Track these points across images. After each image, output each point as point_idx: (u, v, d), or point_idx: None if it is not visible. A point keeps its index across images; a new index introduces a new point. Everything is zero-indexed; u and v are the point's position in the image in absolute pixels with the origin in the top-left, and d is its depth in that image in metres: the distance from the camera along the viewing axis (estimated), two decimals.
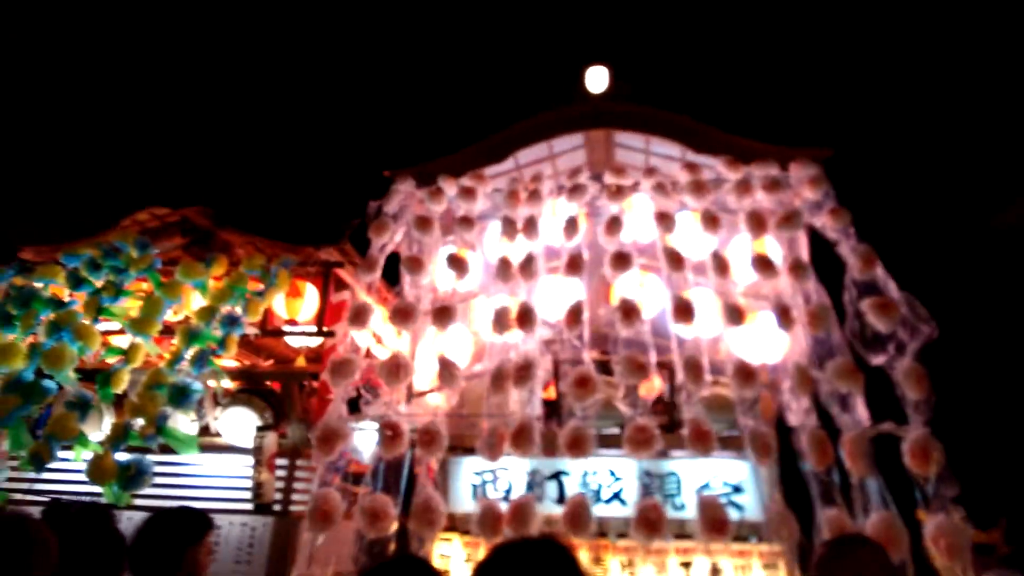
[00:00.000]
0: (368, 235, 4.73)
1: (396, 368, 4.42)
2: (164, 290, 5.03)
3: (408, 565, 1.79)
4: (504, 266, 4.60)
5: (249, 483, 5.35)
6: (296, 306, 5.74)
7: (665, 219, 4.80)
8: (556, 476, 5.23)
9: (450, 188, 5.11)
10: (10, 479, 4.49)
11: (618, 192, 4.93)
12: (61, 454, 4.50)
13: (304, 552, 3.70)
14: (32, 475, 4.41)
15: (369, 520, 4.07)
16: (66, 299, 4.99)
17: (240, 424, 5.68)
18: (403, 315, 4.55)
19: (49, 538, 1.69)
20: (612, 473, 5.14)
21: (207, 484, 5.53)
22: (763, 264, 4.97)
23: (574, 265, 4.86)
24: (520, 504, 3.88)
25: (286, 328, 5.98)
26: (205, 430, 5.66)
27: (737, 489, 5.03)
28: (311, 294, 5.84)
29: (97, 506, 2.62)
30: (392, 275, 5.95)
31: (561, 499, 5.00)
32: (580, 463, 4.73)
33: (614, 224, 4.91)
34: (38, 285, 5.46)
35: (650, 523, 4.11)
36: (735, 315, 4.72)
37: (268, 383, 5.94)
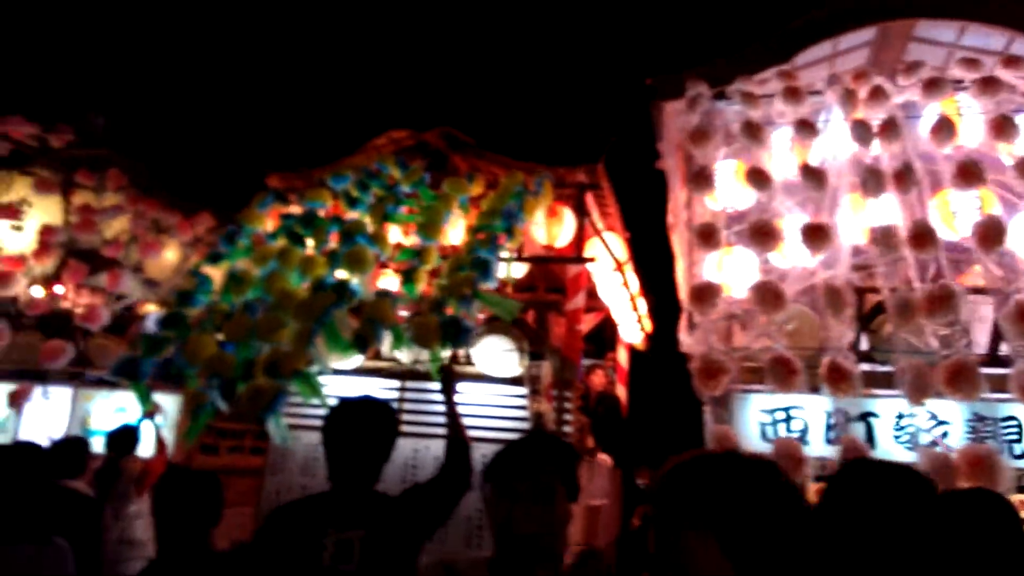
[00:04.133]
0: (689, 146, 4.26)
1: (705, 292, 3.94)
2: (439, 200, 4.83)
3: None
4: (875, 177, 3.98)
5: (512, 412, 5.18)
6: (555, 230, 5.41)
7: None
8: (864, 417, 4.71)
9: (749, 89, 4.54)
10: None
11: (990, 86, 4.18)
12: None
13: None
14: None
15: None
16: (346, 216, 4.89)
17: (494, 353, 5.50)
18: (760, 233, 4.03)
19: None
20: (933, 416, 4.54)
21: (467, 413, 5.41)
22: None
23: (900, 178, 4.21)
24: (980, 454, 3.39)
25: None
26: (455, 358, 5.53)
27: None
28: (568, 218, 5.49)
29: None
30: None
31: (870, 443, 4.49)
32: (892, 404, 4.20)
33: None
34: (294, 209, 5.44)
35: (983, 470, 3.56)
36: None
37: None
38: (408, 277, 4.35)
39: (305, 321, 3.83)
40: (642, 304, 8.37)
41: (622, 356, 9.00)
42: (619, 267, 6.26)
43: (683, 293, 5.28)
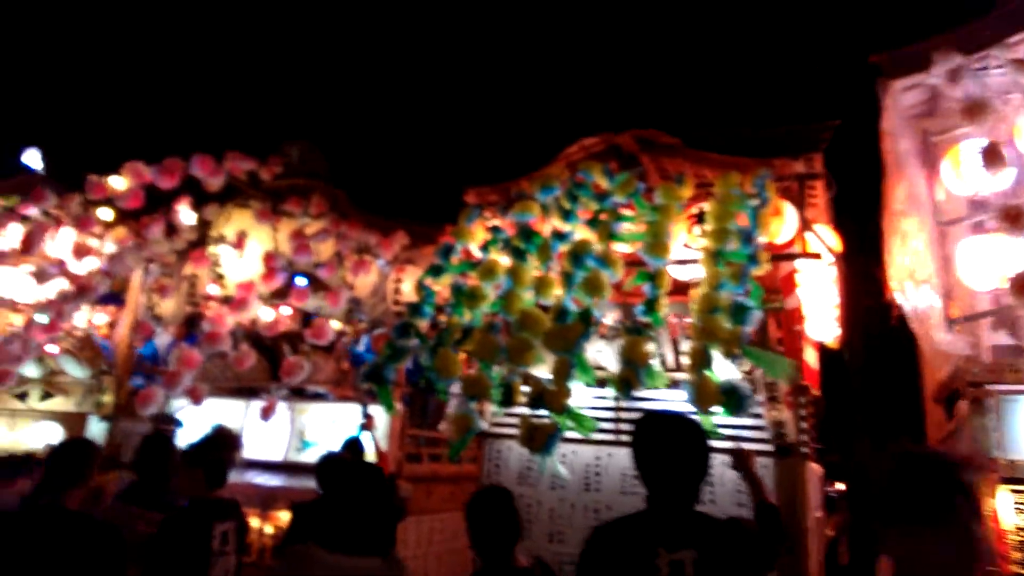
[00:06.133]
0: (969, 119, 3.85)
1: None
2: (658, 213, 4.68)
3: None
4: None
5: (745, 421, 4.95)
6: (776, 226, 5.11)
7: None
8: None
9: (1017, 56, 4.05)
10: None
11: None
12: None
13: None
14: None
15: None
16: (561, 230, 4.87)
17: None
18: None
19: None
20: None
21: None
22: None
23: None
24: None
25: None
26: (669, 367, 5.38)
27: None
28: (789, 213, 5.18)
29: None
30: None
31: None
32: None
33: None
34: (497, 222, 5.50)
35: None
36: None
37: None
38: (650, 306, 4.25)
39: (559, 352, 3.84)
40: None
41: (810, 356, 8.46)
42: (836, 260, 5.85)
43: (931, 285, 4.82)
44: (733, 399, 3.59)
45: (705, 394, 3.62)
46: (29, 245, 6.17)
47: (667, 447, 2.37)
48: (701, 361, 3.74)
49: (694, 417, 2.54)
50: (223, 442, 3.28)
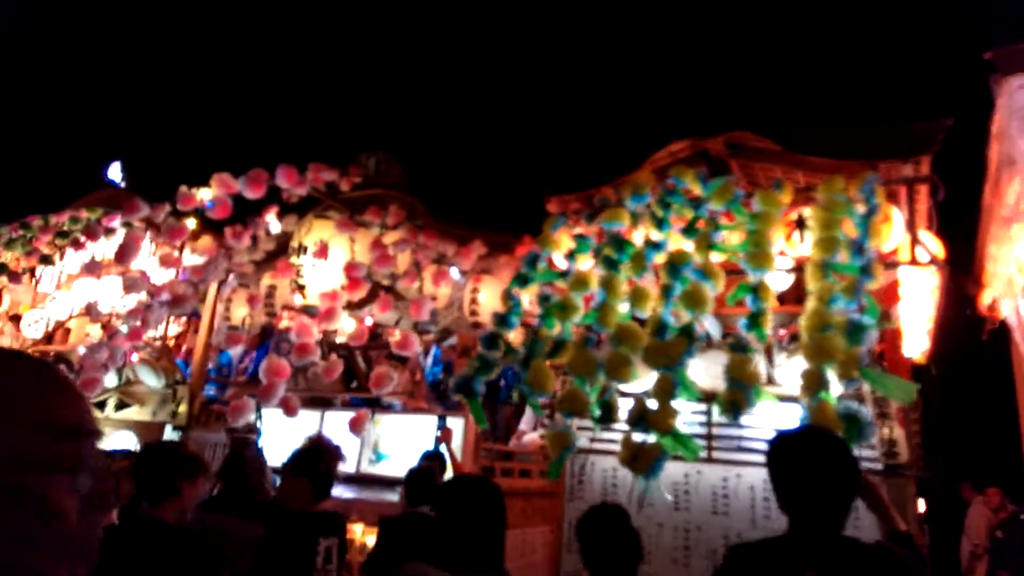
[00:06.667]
0: None
1: None
2: (758, 221, 4.45)
3: None
4: None
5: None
6: (884, 233, 4.82)
7: None
8: None
9: None
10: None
11: None
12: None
13: None
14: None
15: None
16: (654, 239, 4.69)
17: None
18: None
19: None
20: None
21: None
22: None
23: None
24: None
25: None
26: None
27: None
28: (897, 218, 4.88)
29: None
30: None
31: None
32: None
33: None
34: (580, 230, 5.36)
35: None
36: None
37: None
38: (754, 320, 4.04)
39: (661, 368, 3.67)
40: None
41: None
42: (941, 269, 5.50)
43: None
44: (854, 426, 3.35)
45: (822, 420, 3.38)
46: (124, 256, 6.32)
47: (810, 467, 2.20)
48: (816, 384, 3.50)
49: (835, 434, 2.35)
50: (326, 453, 3.21)
